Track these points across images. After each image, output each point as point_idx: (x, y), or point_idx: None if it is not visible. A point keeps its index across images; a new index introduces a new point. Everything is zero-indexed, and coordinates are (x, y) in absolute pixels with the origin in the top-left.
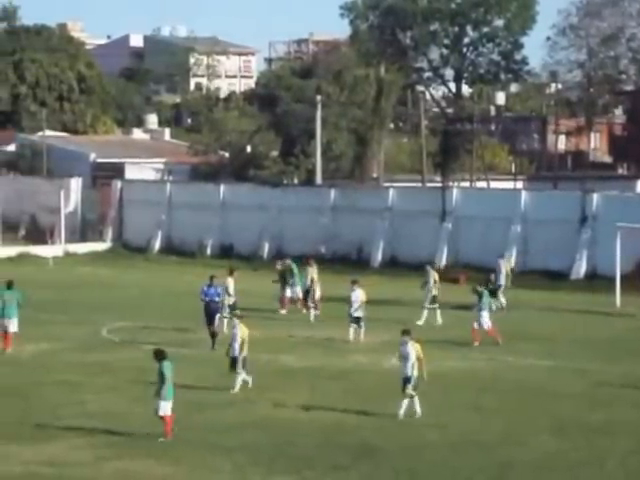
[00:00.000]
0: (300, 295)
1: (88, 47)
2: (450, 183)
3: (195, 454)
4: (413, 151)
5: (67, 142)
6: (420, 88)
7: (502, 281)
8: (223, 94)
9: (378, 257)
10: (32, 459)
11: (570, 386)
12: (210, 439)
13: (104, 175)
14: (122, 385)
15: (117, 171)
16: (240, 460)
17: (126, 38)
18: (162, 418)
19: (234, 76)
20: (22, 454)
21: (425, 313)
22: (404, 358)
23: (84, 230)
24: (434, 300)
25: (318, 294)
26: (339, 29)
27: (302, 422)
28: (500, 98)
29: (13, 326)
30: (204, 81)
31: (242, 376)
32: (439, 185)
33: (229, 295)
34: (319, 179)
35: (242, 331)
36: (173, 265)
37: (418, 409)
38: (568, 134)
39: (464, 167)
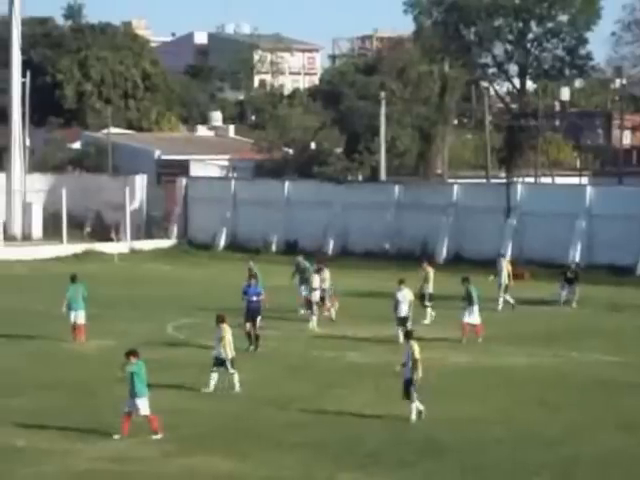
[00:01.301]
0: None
1: (153, 45)
2: (515, 179)
3: (261, 450)
4: (477, 147)
5: (132, 139)
6: (484, 84)
7: (503, 280)
8: (287, 91)
9: (442, 253)
10: (98, 455)
11: (636, 382)
12: (276, 435)
13: (169, 172)
14: (187, 382)
15: (182, 168)
16: (306, 456)
17: (190, 36)
18: (146, 418)
19: (298, 73)
20: (88, 450)
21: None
22: (407, 359)
23: (149, 227)
24: (430, 298)
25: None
26: (403, 25)
27: (368, 418)
28: (564, 93)
29: (81, 318)
30: (268, 78)
31: (215, 377)
32: (503, 181)
33: (314, 290)
34: (383, 175)
35: (225, 332)
36: (238, 262)
37: (421, 408)
38: (633, 129)
39: (529, 163)
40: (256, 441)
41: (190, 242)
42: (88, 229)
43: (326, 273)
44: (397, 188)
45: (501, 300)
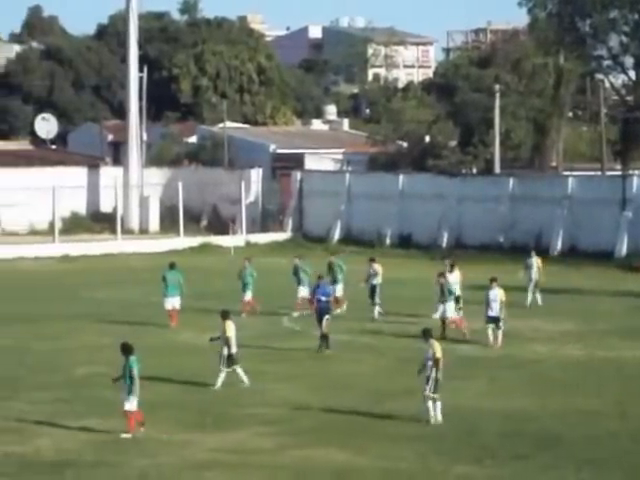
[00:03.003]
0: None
1: (268, 39)
2: (630, 171)
3: (377, 443)
4: (592, 139)
5: (247, 133)
6: (599, 76)
7: (534, 276)
8: (401, 84)
9: (557, 246)
10: (215, 446)
11: None
12: (392, 428)
13: (284, 166)
14: (303, 374)
15: (297, 162)
16: (422, 449)
17: (305, 29)
18: (126, 413)
19: (412, 66)
20: (206, 441)
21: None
22: (426, 359)
23: (264, 220)
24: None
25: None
26: (517, 18)
27: (483, 411)
28: None
29: (177, 304)
30: (382, 71)
31: (223, 375)
32: (619, 173)
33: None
34: (497, 168)
35: (228, 329)
36: (352, 255)
37: (438, 414)
38: None
39: None
40: (372, 433)
41: (305, 235)
42: (204, 222)
43: (377, 267)
44: (511, 181)
45: (530, 296)
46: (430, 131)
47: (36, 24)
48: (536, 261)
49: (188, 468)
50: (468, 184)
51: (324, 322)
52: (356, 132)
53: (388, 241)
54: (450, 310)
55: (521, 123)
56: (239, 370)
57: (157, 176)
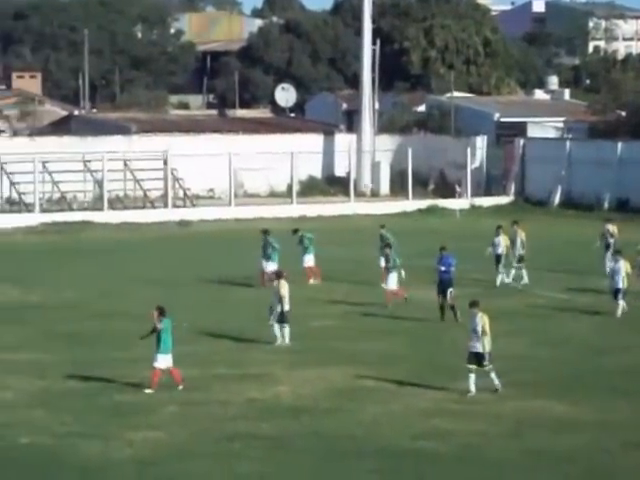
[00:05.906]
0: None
1: (493, 13)
2: None
3: (594, 396)
4: None
5: (473, 102)
6: None
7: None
8: (620, 56)
9: None
10: (440, 396)
11: None
12: (610, 382)
13: (507, 133)
14: (523, 330)
15: (519, 129)
16: (636, 403)
17: (529, 4)
18: (170, 371)
19: (631, 39)
20: (432, 392)
21: (512, 272)
22: (473, 331)
23: (488, 185)
24: (521, 259)
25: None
26: None
27: None
28: None
29: (272, 267)
30: (602, 44)
31: (277, 328)
32: None
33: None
34: None
35: (282, 288)
36: (571, 218)
37: (472, 386)
38: None
39: None
40: (591, 387)
41: (526, 199)
42: (432, 186)
43: (502, 239)
44: None
45: (607, 263)
46: None
47: (277, 0)
48: (611, 228)
49: (416, 415)
50: None
51: (448, 295)
52: (576, 102)
53: (606, 205)
54: (392, 280)
55: None
56: (287, 329)
57: (388, 142)
